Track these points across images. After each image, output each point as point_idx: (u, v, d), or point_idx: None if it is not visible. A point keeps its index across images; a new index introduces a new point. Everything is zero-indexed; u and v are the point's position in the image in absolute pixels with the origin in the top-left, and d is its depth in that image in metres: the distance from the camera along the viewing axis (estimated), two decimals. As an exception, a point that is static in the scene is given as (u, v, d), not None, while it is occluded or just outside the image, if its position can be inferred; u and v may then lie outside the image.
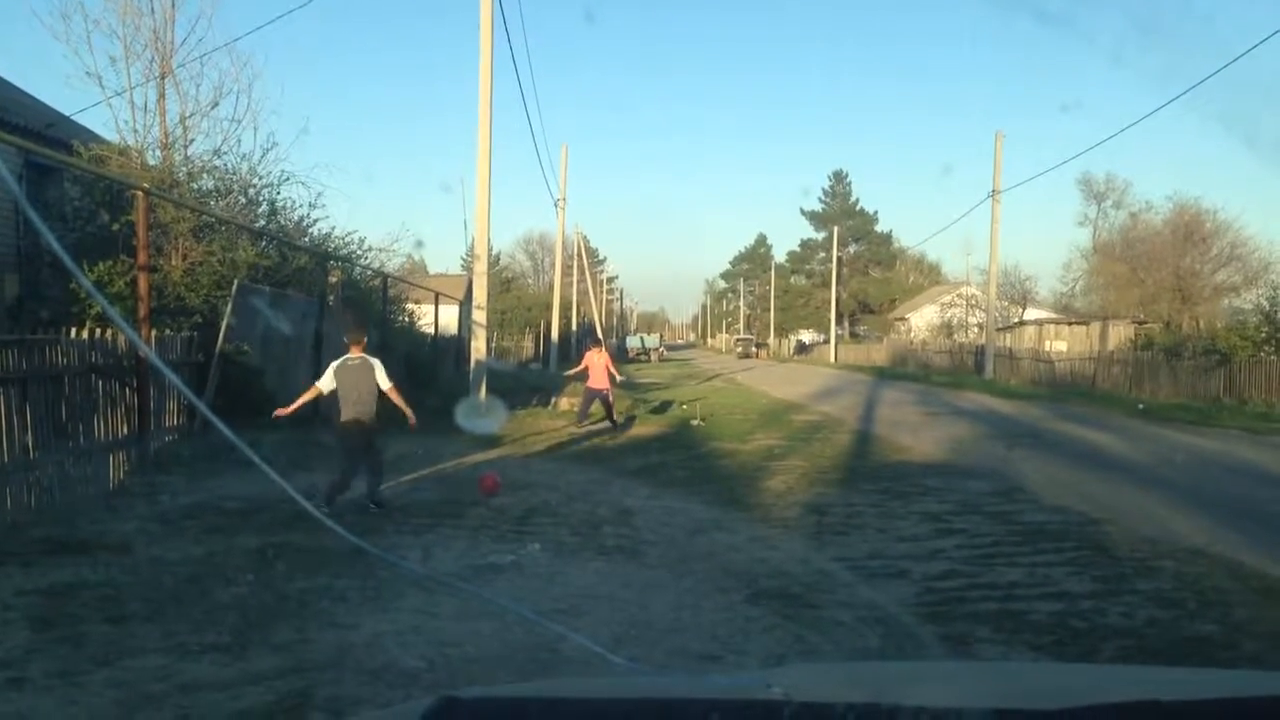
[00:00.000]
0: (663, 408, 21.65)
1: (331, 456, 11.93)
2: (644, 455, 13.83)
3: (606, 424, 17.14)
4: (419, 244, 42.64)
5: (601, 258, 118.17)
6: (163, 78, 14.45)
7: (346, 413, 9.14)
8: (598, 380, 17.41)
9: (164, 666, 4.79)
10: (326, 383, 9.29)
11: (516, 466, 12.44)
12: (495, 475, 10.25)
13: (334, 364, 9.39)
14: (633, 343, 78.20)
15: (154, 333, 10.83)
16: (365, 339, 9.63)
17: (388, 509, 9.04)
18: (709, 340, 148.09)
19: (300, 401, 9.48)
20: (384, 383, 9.33)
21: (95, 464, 9.36)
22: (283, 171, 17.01)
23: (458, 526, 8.35)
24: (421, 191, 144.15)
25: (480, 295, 18.53)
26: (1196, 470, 12.65)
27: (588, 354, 18.24)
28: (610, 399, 17.47)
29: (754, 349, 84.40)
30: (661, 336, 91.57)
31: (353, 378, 9.22)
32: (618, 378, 17.99)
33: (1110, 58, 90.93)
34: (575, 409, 18.39)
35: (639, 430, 17.32)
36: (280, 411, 9.35)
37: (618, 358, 75.74)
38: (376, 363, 9.40)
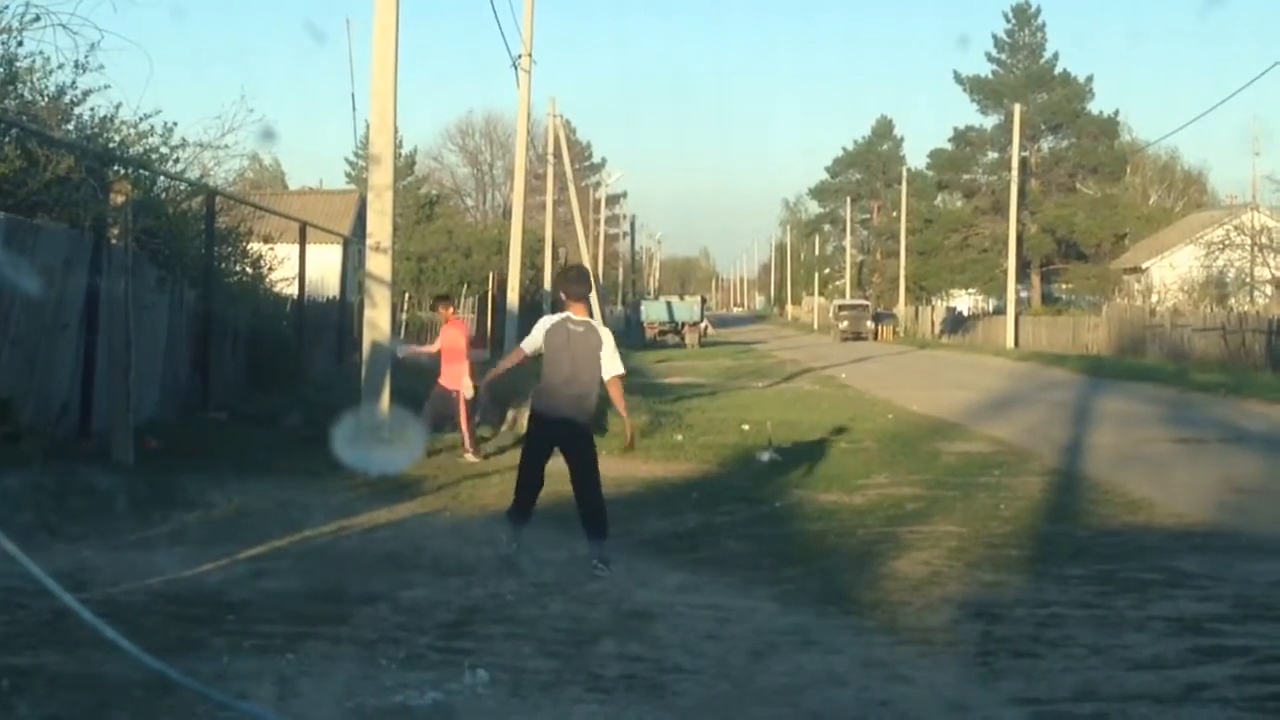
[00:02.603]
0: (698, 431, 21.62)
1: (103, 510, 11.98)
2: (672, 513, 13.82)
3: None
4: (269, 135, 42.25)
5: (597, 160, 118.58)
6: None
7: (549, 399, 10.92)
8: (447, 373, 17.84)
9: None
10: (532, 343, 11.03)
11: (446, 533, 12.41)
12: None
13: (548, 321, 11.21)
14: (652, 313, 78.30)
15: None
16: (591, 294, 11.93)
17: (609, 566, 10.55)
18: (788, 307, 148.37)
19: (504, 366, 11.62)
20: (613, 366, 11.04)
21: None
22: (28, 6, 17.00)
23: (341, 639, 8.35)
24: (276, 41, 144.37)
25: (381, 227, 18.50)
26: None
27: (445, 328, 18.41)
28: (463, 407, 17.53)
29: (870, 323, 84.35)
30: (704, 301, 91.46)
31: (574, 347, 10.91)
32: (467, 381, 17.92)
33: None
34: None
35: (663, 468, 17.33)
36: (494, 374, 11.82)
37: (629, 338, 76.09)
38: (608, 335, 11.21)
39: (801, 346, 69.62)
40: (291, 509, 12.93)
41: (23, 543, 6.16)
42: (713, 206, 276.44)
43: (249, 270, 24.03)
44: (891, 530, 12.86)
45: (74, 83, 17.37)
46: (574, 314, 11.10)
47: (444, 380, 17.84)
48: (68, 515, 11.52)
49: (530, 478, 11.20)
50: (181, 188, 20.64)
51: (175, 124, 19.42)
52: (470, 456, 17.46)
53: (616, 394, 11.27)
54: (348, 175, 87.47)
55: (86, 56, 16.94)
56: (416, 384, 20.17)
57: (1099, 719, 7.12)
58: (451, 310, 18.87)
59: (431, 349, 18.73)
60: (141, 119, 18.89)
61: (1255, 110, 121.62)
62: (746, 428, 21.36)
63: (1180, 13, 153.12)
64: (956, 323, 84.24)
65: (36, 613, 8.21)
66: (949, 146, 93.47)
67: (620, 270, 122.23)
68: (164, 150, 19.37)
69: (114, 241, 15.52)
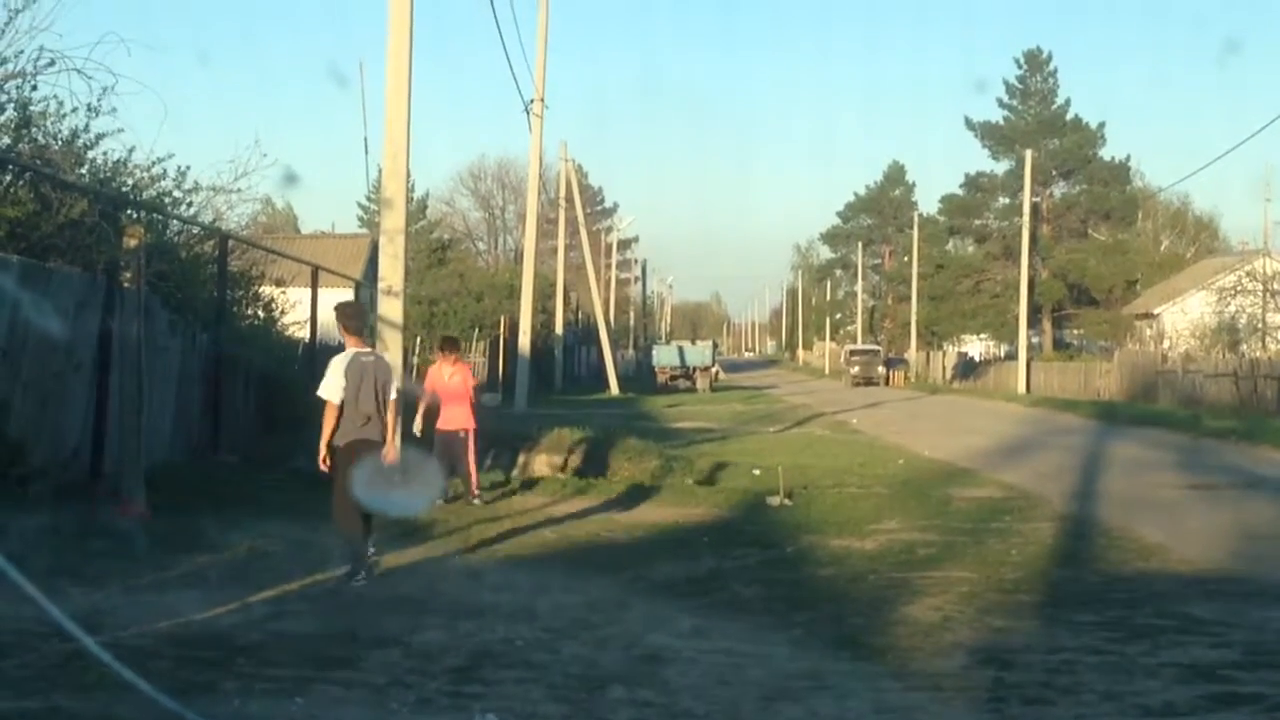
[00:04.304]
0: (709, 476, 21.63)
1: (115, 553, 11.99)
2: (685, 557, 13.83)
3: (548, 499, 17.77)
4: (291, 179, 40.82)
5: (609, 205, 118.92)
6: None
7: (354, 432, 11.78)
8: (450, 416, 17.83)
9: None
10: (335, 388, 11.77)
11: (460, 575, 12.45)
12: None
13: (340, 362, 11.92)
14: (663, 358, 78.15)
15: None
16: (366, 327, 12.99)
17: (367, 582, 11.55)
18: (800, 352, 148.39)
19: (327, 430, 11.81)
20: (394, 390, 12.26)
21: None
22: (42, 51, 17.12)
23: (352, 683, 8.36)
24: (289, 85, 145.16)
25: (393, 271, 18.55)
26: None
27: (433, 369, 18.42)
28: (473, 450, 17.60)
29: (881, 368, 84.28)
30: (716, 346, 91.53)
31: (370, 377, 11.92)
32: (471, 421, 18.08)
33: None
34: (557, 472, 18.45)
35: (674, 513, 17.33)
36: (324, 460, 11.90)
37: (640, 382, 75.82)
38: (390, 361, 12.60)
39: (813, 391, 69.59)
40: (303, 552, 12.93)
41: (35, 585, 6.18)
42: (725, 251, 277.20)
43: (261, 314, 24.10)
44: (903, 575, 12.84)
45: (87, 126, 17.48)
46: (358, 348, 12.15)
47: (442, 424, 17.79)
48: (79, 558, 11.54)
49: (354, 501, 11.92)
50: (194, 231, 20.71)
51: (189, 167, 19.52)
52: (476, 500, 17.44)
53: (392, 415, 12.31)
54: (360, 219, 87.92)
55: (99, 100, 17.04)
56: (425, 423, 20.24)
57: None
58: (448, 354, 18.69)
59: (423, 409, 18.45)
60: (154, 162, 18.99)
61: (1267, 156, 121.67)
62: (758, 472, 21.36)
63: (1192, 60, 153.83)
64: (968, 368, 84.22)
65: (48, 655, 8.22)
66: (960, 192, 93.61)
67: (632, 315, 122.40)
68: (177, 194, 19.47)
69: (127, 285, 15.58)
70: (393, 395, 12.29)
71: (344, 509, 11.90)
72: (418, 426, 17.84)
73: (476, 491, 17.62)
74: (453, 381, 17.94)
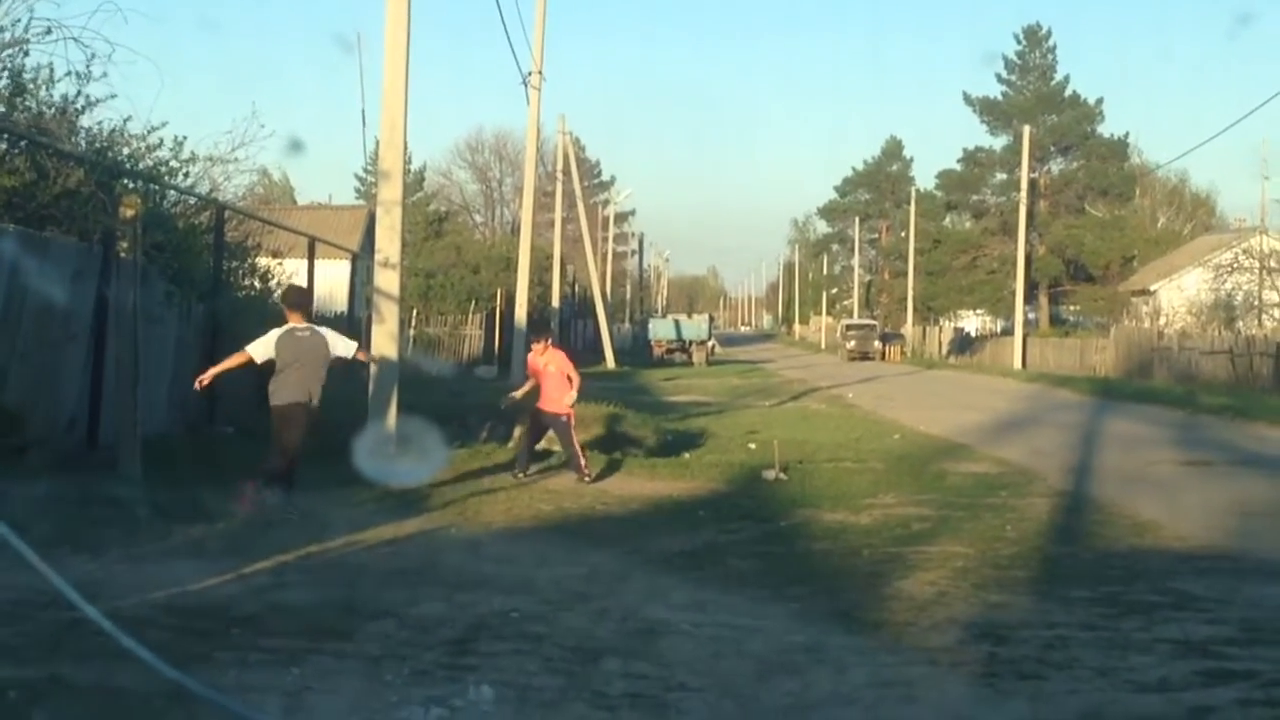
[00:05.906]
0: (688, 442, 21.63)
1: (109, 523, 12.03)
2: (681, 530, 13.85)
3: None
4: (296, 146, 39.93)
5: (607, 178, 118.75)
6: None
7: (288, 394, 13.74)
8: (551, 399, 17.87)
9: None
10: (261, 350, 13.70)
11: (459, 547, 12.45)
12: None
13: (277, 332, 13.72)
14: (659, 331, 78.29)
15: None
16: (311, 306, 14.68)
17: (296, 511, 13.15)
18: (796, 326, 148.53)
19: (224, 367, 14.15)
20: (348, 347, 14.25)
21: None
22: (33, 18, 17.07)
23: (346, 654, 8.36)
24: (286, 56, 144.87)
25: (389, 243, 18.54)
26: None
27: (531, 356, 18.59)
28: (572, 430, 17.72)
29: (877, 343, 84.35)
30: (712, 319, 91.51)
31: (303, 350, 13.71)
32: (573, 394, 18.09)
33: None
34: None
35: (669, 486, 17.37)
36: (203, 379, 14.16)
37: (636, 356, 75.80)
38: (328, 332, 14.15)
39: (809, 366, 69.69)
40: (300, 522, 12.95)
41: (36, 550, 6.18)
42: (722, 225, 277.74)
43: (258, 285, 24.06)
44: (898, 550, 12.87)
45: (80, 93, 17.45)
46: (296, 323, 14.01)
47: (542, 404, 17.96)
48: (76, 527, 11.55)
49: (296, 452, 13.99)
50: (191, 202, 20.67)
51: (185, 138, 19.48)
52: (588, 478, 17.50)
53: (364, 356, 15.30)
54: (357, 191, 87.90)
55: (88, 66, 17.05)
56: (422, 397, 20.25)
57: (1105, 740, 7.13)
58: (540, 341, 18.88)
59: (526, 387, 18.80)
60: (150, 131, 18.93)
61: (1265, 133, 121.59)
62: (753, 446, 21.39)
63: (1191, 36, 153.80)
64: (964, 343, 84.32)
65: (44, 625, 8.23)
66: (958, 167, 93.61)
67: (628, 288, 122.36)
68: (174, 164, 19.42)
69: (123, 255, 15.56)
70: (335, 355, 14.15)
71: (280, 450, 13.93)
72: (506, 401, 19.22)
73: (587, 469, 17.67)
74: (549, 369, 18.07)
